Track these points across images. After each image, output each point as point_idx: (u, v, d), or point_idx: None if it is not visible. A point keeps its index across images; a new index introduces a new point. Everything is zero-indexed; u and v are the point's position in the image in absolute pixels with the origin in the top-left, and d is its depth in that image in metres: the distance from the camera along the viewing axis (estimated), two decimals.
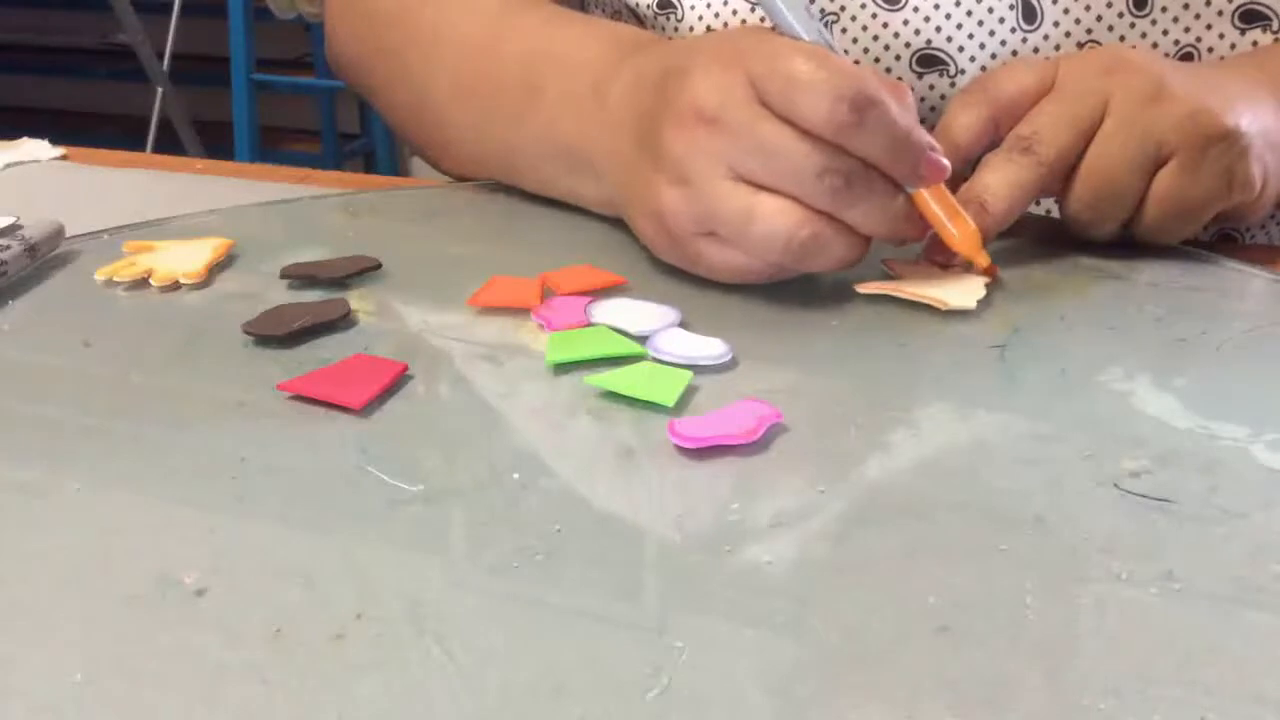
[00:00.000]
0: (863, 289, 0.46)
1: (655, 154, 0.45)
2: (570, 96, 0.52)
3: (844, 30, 0.58)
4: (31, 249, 0.47)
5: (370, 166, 2.58)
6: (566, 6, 0.61)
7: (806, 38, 0.44)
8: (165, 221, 0.53)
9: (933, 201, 0.45)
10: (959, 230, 0.45)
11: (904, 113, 0.43)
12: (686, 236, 0.45)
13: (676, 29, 0.60)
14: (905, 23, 0.57)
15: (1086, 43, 0.56)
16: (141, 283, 0.47)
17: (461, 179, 0.61)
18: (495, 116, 0.56)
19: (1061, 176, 0.48)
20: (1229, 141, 0.47)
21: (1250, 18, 0.56)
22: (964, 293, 0.45)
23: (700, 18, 0.59)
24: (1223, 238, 0.60)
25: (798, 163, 0.42)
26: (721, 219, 0.43)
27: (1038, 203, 0.59)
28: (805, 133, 0.42)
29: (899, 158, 0.43)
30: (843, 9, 0.57)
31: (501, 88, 0.55)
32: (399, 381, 0.39)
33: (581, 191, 0.53)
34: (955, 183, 0.49)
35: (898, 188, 0.44)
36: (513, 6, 0.58)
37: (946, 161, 0.44)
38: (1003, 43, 0.57)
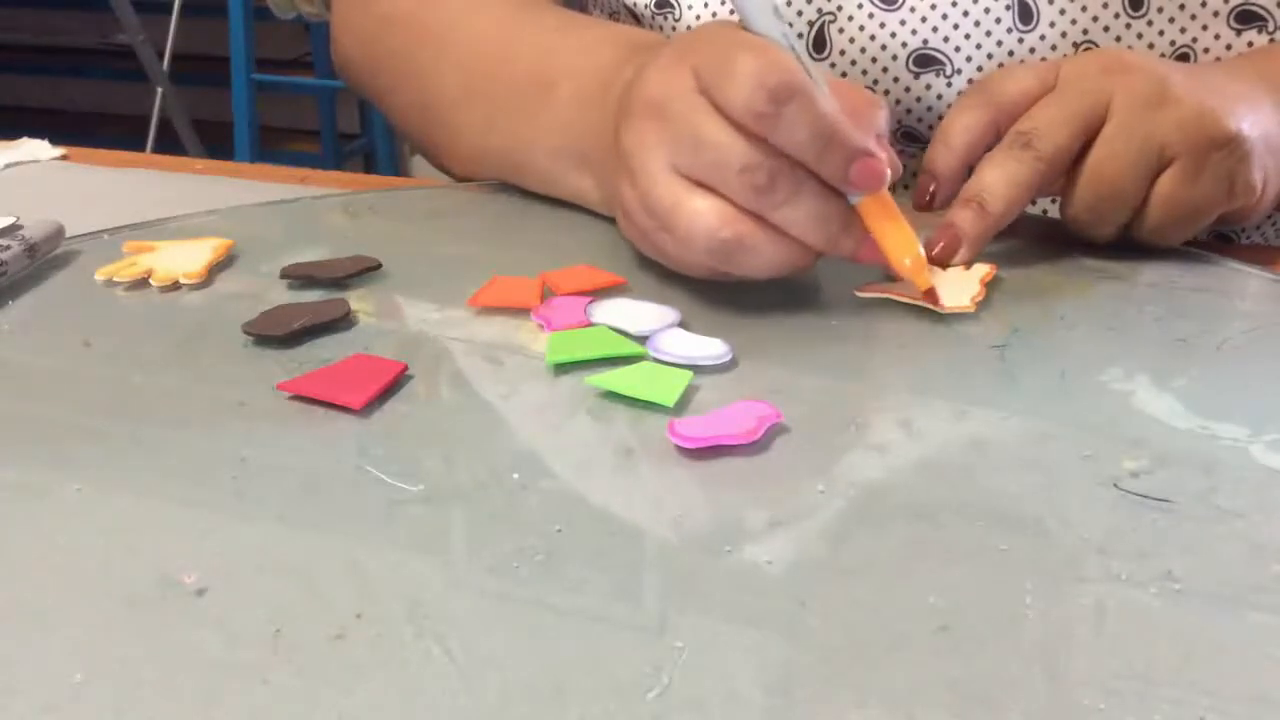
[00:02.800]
0: (862, 293, 0.46)
1: (616, 149, 0.45)
2: (580, 98, 0.52)
3: (841, 30, 0.58)
4: (31, 249, 0.47)
5: (370, 166, 2.58)
6: (568, 5, 0.61)
7: (769, 35, 0.42)
8: (165, 221, 0.53)
9: (876, 212, 0.42)
10: (906, 250, 0.43)
11: (839, 112, 0.41)
12: (646, 230, 0.44)
13: (674, 28, 0.60)
14: (902, 23, 0.57)
15: (1083, 43, 0.56)
16: (141, 283, 0.47)
17: (466, 179, 0.61)
18: (504, 117, 0.56)
19: (1060, 173, 0.48)
20: (1231, 147, 0.47)
21: (1246, 18, 0.56)
22: (962, 295, 0.45)
23: (698, 17, 0.59)
24: (1219, 237, 0.60)
25: (721, 155, 0.41)
26: (655, 212, 0.43)
27: (1034, 203, 0.59)
28: (737, 127, 0.41)
29: (825, 156, 0.41)
30: (839, 9, 0.57)
31: (512, 89, 0.55)
32: (399, 381, 0.39)
33: (585, 192, 0.53)
34: (955, 186, 0.49)
35: (838, 194, 0.42)
36: (523, 9, 0.58)
37: (886, 169, 0.42)
38: (999, 43, 0.57)
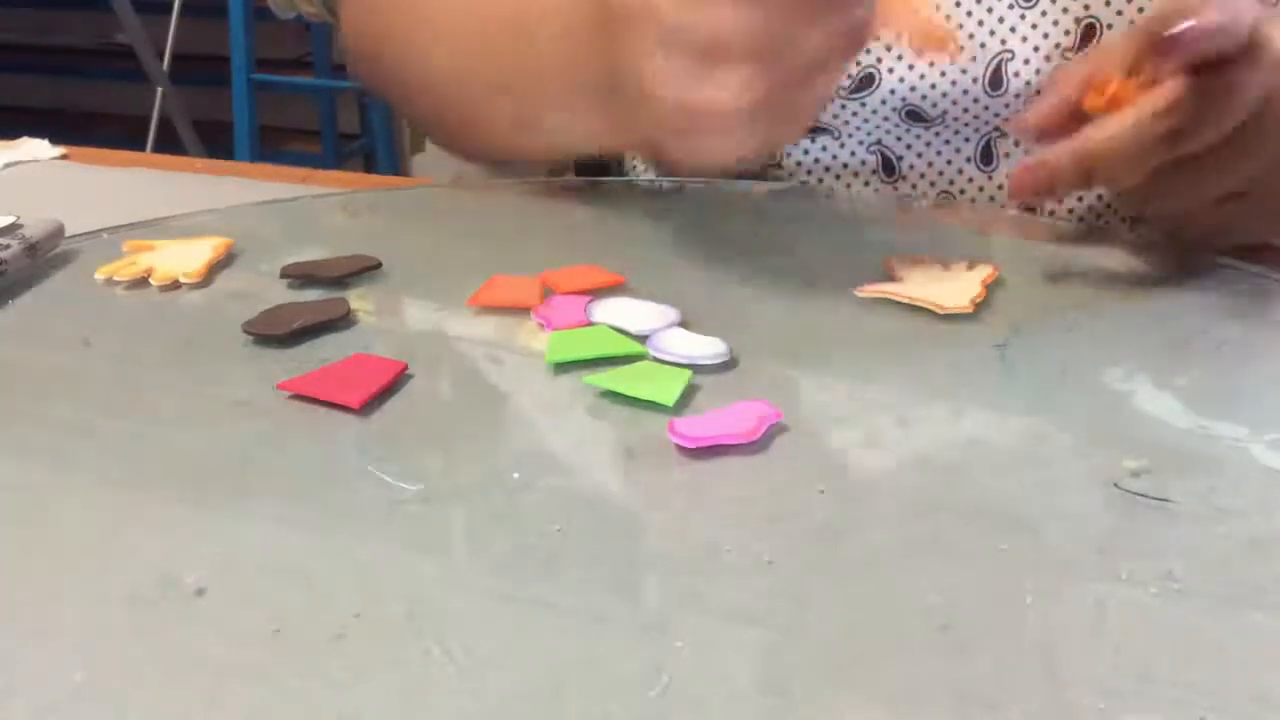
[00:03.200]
0: (862, 292, 0.46)
1: (623, 66, 0.45)
2: (561, 36, 0.51)
3: None
4: (31, 248, 0.47)
5: (370, 166, 2.58)
6: None
7: None
8: (165, 221, 0.53)
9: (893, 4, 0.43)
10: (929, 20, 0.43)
11: None
12: (679, 129, 0.44)
13: None
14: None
15: (1084, 19, 0.56)
16: (141, 282, 0.47)
17: (479, 159, 0.61)
18: (498, 73, 0.55)
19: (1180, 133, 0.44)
20: None
21: None
22: (961, 295, 0.45)
23: None
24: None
25: (726, 21, 0.41)
26: (684, 100, 0.43)
27: (1040, 211, 0.59)
28: None
29: None
30: None
31: (498, 51, 0.55)
32: (399, 381, 0.39)
33: (597, 131, 0.53)
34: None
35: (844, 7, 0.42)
36: None
37: None
38: (1000, 19, 0.57)
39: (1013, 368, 0.41)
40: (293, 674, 0.26)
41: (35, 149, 0.67)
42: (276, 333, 0.42)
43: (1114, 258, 0.50)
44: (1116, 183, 0.46)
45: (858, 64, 0.58)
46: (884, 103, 0.59)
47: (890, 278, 0.47)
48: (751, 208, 0.56)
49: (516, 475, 0.34)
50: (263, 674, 0.26)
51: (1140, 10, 0.56)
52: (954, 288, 0.46)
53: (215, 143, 2.34)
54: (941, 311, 0.44)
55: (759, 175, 0.63)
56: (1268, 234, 0.49)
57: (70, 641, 0.28)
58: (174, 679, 0.26)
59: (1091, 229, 0.56)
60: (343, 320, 0.43)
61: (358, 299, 0.45)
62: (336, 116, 2.58)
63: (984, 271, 0.47)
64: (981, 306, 0.45)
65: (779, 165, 0.61)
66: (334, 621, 0.28)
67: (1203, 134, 0.44)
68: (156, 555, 0.31)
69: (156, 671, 0.27)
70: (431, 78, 0.60)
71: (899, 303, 0.45)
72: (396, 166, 2.53)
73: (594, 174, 0.70)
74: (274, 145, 2.52)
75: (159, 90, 2.31)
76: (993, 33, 0.57)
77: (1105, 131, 0.44)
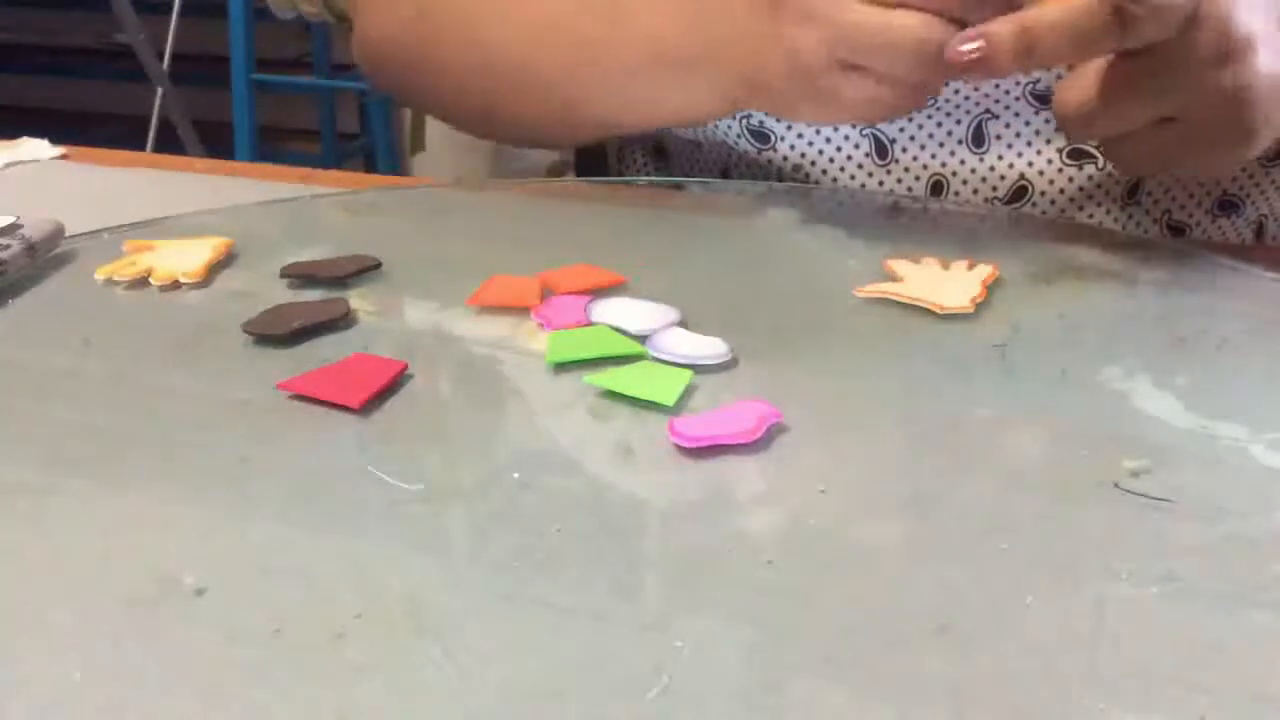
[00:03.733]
0: (861, 292, 0.46)
1: (774, 3, 0.47)
2: (662, 2, 0.52)
3: None
4: (31, 248, 0.47)
5: (370, 166, 2.58)
6: None
7: None
8: (165, 221, 0.53)
9: None
10: None
11: None
12: (821, 72, 0.46)
13: None
14: None
15: None
16: (141, 282, 0.47)
17: (536, 143, 0.60)
18: (584, 46, 0.55)
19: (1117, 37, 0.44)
20: (1246, 150, 0.47)
21: None
22: (961, 295, 0.45)
23: None
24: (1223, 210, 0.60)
25: None
26: (850, 39, 0.45)
27: (1033, 205, 0.59)
28: None
29: None
30: None
31: (581, 20, 0.55)
32: (399, 381, 0.39)
33: (691, 96, 0.53)
34: None
35: None
36: None
37: None
38: None
39: (1013, 368, 0.41)
40: (293, 674, 0.26)
41: (35, 149, 0.67)
42: (276, 333, 0.42)
43: (1114, 258, 0.50)
44: (1057, 63, 0.47)
45: None
46: None
47: (890, 278, 0.47)
48: (751, 207, 0.56)
49: (516, 475, 0.34)
50: (263, 674, 0.26)
51: None
52: (954, 288, 0.46)
53: (215, 143, 2.34)
54: (941, 311, 0.44)
55: (756, 174, 0.63)
56: (1203, 167, 0.49)
57: (69, 641, 0.28)
58: (173, 679, 0.26)
59: (1091, 229, 0.56)
60: (343, 320, 0.43)
61: (358, 299, 0.45)
62: (336, 116, 2.58)
63: (984, 271, 0.47)
64: (981, 306, 0.45)
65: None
66: (334, 621, 0.28)
67: (1148, 26, 0.43)
68: (156, 555, 0.31)
69: (156, 671, 0.27)
70: (498, 53, 0.59)
71: (899, 303, 0.45)
72: (396, 166, 2.53)
73: (594, 174, 0.70)
74: (274, 145, 2.52)
75: (159, 90, 2.31)
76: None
77: (1054, 8, 0.44)
